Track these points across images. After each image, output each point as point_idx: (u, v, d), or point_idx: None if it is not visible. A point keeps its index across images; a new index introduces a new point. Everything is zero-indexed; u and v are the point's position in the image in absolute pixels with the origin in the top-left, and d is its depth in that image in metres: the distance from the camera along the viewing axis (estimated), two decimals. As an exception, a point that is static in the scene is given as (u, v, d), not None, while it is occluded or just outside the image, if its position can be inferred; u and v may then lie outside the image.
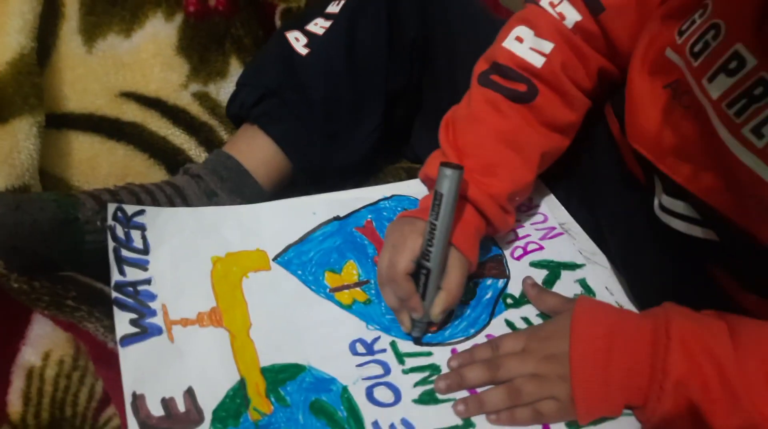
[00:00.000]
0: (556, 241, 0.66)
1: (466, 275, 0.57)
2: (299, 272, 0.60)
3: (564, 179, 0.70)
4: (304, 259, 0.61)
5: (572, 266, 0.64)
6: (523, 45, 0.61)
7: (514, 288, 0.62)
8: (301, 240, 0.62)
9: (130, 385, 0.49)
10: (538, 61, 0.60)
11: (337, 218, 0.65)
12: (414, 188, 0.70)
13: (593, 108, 0.66)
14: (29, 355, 0.56)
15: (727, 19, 0.47)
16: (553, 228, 0.67)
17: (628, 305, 0.61)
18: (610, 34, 0.60)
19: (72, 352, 0.57)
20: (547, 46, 0.60)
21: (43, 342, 0.57)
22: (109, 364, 0.53)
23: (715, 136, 0.47)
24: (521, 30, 0.61)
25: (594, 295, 0.61)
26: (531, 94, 0.60)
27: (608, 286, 0.62)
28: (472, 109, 0.61)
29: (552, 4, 0.61)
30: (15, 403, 0.55)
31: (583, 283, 0.62)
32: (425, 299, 0.56)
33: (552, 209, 0.69)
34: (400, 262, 0.55)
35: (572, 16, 0.60)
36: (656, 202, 0.56)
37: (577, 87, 0.62)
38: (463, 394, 0.53)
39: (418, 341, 0.57)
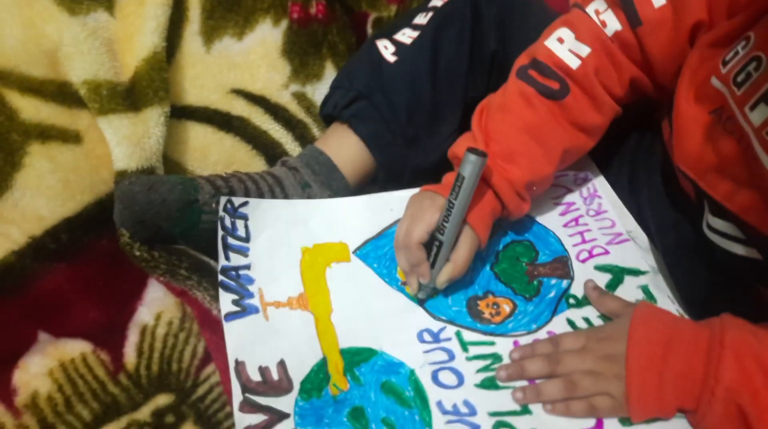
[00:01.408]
0: (621, 246, 0.66)
1: (475, 251, 0.61)
2: (375, 265, 0.64)
3: (618, 186, 0.71)
4: (380, 253, 0.65)
5: (636, 272, 0.64)
6: (563, 46, 0.63)
7: (577, 289, 0.63)
8: (378, 235, 0.66)
9: (233, 353, 0.55)
10: (573, 63, 0.62)
11: None
12: None
13: (649, 121, 0.67)
14: (144, 314, 0.63)
15: None
16: (620, 234, 0.67)
17: (687, 313, 0.61)
18: (645, 48, 0.61)
19: (180, 315, 0.64)
20: (585, 50, 0.62)
21: (157, 304, 0.64)
22: (212, 328, 0.60)
23: (756, 161, 0.48)
24: (563, 32, 0.63)
25: (656, 301, 0.62)
26: (563, 92, 0.62)
27: (670, 295, 0.62)
28: (505, 99, 0.64)
29: (597, 12, 0.62)
30: (130, 355, 0.62)
31: (645, 289, 0.63)
32: (434, 268, 0.60)
33: (620, 216, 0.69)
34: (415, 231, 0.59)
35: (613, 25, 0.62)
36: (704, 222, 0.57)
37: (608, 92, 0.64)
38: (522, 383, 0.56)
39: (422, 303, 0.61)
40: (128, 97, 0.71)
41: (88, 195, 0.68)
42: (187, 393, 0.61)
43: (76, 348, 0.62)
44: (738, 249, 0.54)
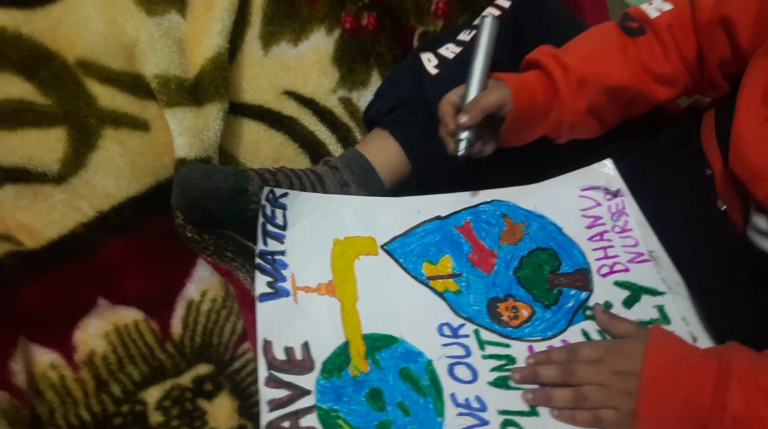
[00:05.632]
0: (642, 266, 0.66)
1: (498, 103, 0.63)
2: (401, 260, 0.65)
3: (647, 209, 0.70)
4: (407, 249, 0.66)
5: (653, 292, 0.64)
6: (652, 6, 0.68)
7: (595, 302, 0.63)
8: (406, 233, 0.67)
9: (262, 332, 0.57)
10: (653, 14, 0.67)
11: (438, 217, 0.69)
12: (514, 195, 0.72)
13: (685, 150, 0.67)
14: (191, 290, 0.67)
15: None
16: (642, 254, 0.67)
17: (702, 336, 0.61)
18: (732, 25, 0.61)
19: (223, 293, 0.68)
20: (667, 7, 0.66)
21: (203, 282, 0.68)
22: (251, 308, 0.61)
23: None
24: None
25: (669, 322, 0.61)
26: (638, 31, 0.67)
27: (685, 317, 0.62)
28: (592, 28, 0.70)
29: None
30: (177, 326, 0.66)
31: (660, 309, 0.62)
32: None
33: (644, 236, 0.69)
34: (449, 94, 0.65)
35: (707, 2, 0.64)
36: (749, 226, 0.56)
37: (678, 47, 0.66)
38: (533, 388, 0.56)
39: (458, 160, 0.65)
40: (192, 92, 0.74)
41: (151, 178, 0.72)
42: (225, 365, 0.65)
43: (130, 315, 0.66)
44: None
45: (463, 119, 0.63)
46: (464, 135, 0.64)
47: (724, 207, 0.62)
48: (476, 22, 0.76)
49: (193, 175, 0.63)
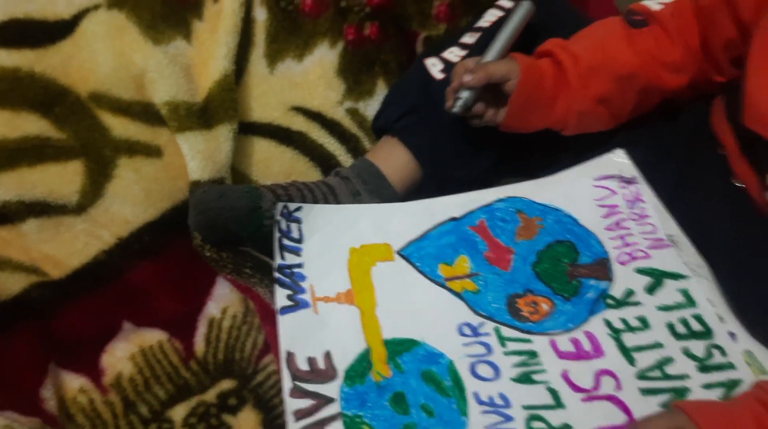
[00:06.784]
0: (662, 251, 0.65)
1: (504, 74, 0.65)
2: (418, 264, 0.65)
3: (666, 195, 0.70)
4: (423, 253, 0.66)
5: (676, 276, 0.63)
6: (653, 0, 0.69)
7: (616, 290, 0.63)
8: (421, 237, 0.67)
9: (285, 344, 0.58)
10: (655, 7, 0.68)
11: (453, 219, 0.69)
12: (527, 190, 0.71)
13: (696, 127, 0.66)
14: (212, 308, 0.69)
15: None
16: (661, 239, 0.66)
17: (728, 316, 0.60)
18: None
19: (243, 309, 0.69)
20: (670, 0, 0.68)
21: (223, 299, 0.69)
22: (272, 321, 0.63)
23: None
24: None
25: (695, 305, 0.61)
26: (642, 23, 0.68)
27: (710, 299, 0.61)
28: (597, 22, 0.71)
29: None
30: (200, 344, 0.67)
31: (685, 293, 0.62)
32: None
33: (663, 221, 0.68)
34: (468, 59, 0.67)
35: None
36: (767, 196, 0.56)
37: (681, 35, 0.66)
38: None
39: (455, 115, 0.66)
40: (202, 115, 0.76)
41: (167, 202, 0.74)
42: (248, 379, 0.65)
43: (154, 336, 0.67)
44: None
45: (467, 78, 0.64)
46: (464, 94, 0.65)
47: (742, 185, 0.62)
48: (479, 24, 0.76)
49: (207, 196, 0.65)
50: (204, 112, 0.76)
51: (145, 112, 0.77)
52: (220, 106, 0.76)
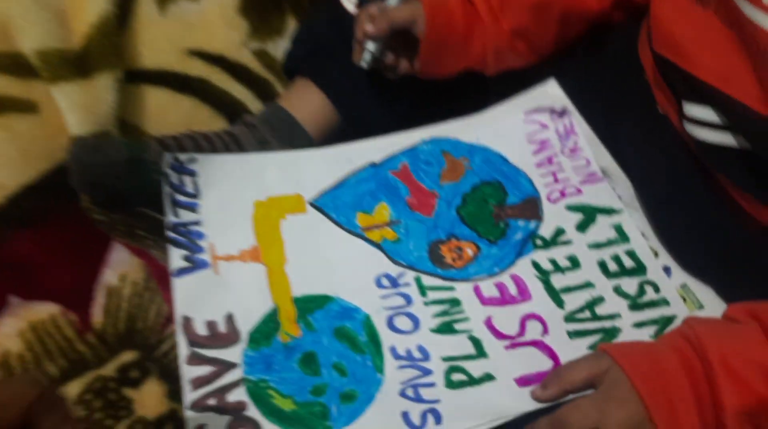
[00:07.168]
0: (595, 186, 0.62)
1: (406, 18, 0.60)
2: (333, 214, 0.61)
3: (596, 126, 0.67)
4: (338, 202, 0.62)
5: (609, 211, 0.60)
6: None
7: (546, 230, 0.60)
8: (337, 185, 0.63)
9: (181, 309, 0.53)
10: None
11: (372, 164, 0.65)
12: (454, 130, 0.67)
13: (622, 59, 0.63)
14: (109, 276, 0.64)
15: None
16: (594, 173, 0.63)
17: (660, 249, 0.58)
18: None
19: (144, 275, 0.64)
20: None
21: (121, 266, 0.64)
22: (169, 285, 0.58)
23: (736, 15, 0.44)
24: None
25: (628, 241, 0.59)
26: None
27: (644, 232, 0.59)
28: None
29: None
30: (98, 315, 0.63)
31: (618, 228, 0.59)
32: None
33: (596, 153, 0.65)
34: (371, 4, 0.60)
35: None
36: (684, 121, 0.53)
37: None
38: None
39: (365, 69, 0.62)
40: (79, 63, 0.69)
41: (47, 162, 0.67)
42: (152, 349, 0.62)
43: (45, 310, 0.62)
44: (723, 138, 0.50)
45: (368, 28, 0.59)
46: (370, 46, 0.60)
47: (663, 112, 0.59)
48: None
49: (82, 151, 0.59)
50: (81, 59, 0.69)
51: (14, 64, 0.69)
52: (100, 53, 0.69)
